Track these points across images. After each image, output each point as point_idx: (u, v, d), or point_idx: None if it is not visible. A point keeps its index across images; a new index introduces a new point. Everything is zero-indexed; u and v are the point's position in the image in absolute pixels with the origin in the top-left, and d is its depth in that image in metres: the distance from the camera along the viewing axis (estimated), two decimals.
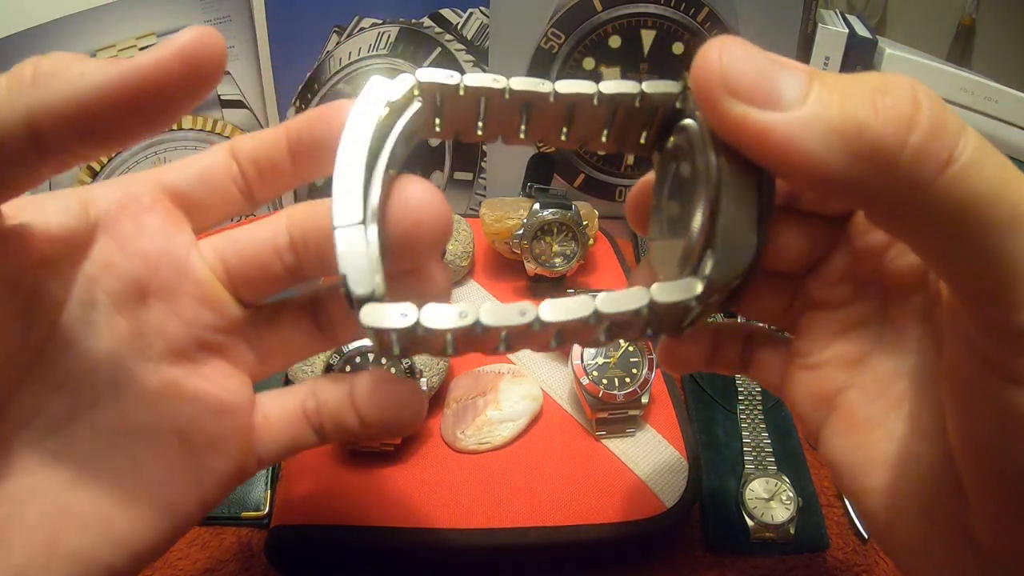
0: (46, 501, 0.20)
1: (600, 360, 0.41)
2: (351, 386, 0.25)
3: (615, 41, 0.61)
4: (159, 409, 0.22)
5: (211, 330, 0.23)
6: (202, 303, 0.23)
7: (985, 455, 0.19)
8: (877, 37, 0.59)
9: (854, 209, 0.23)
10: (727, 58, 0.17)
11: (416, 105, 0.21)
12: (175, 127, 0.56)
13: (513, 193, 0.58)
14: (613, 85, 0.21)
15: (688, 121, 0.21)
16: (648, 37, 0.61)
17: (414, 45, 0.61)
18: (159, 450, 0.22)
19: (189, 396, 0.23)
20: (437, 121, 0.22)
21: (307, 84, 0.61)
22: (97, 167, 0.57)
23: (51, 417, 0.21)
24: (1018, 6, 1.11)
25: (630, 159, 0.65)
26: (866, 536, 0.40)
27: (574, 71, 0.62)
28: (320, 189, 0.59)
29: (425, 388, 0.41)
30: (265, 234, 0.23)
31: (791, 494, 0.40)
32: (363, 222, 0.19)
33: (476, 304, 0.19)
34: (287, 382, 0.43)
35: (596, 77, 0.63)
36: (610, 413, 0.41)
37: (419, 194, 0.21)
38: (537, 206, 0.50)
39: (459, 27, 0.61)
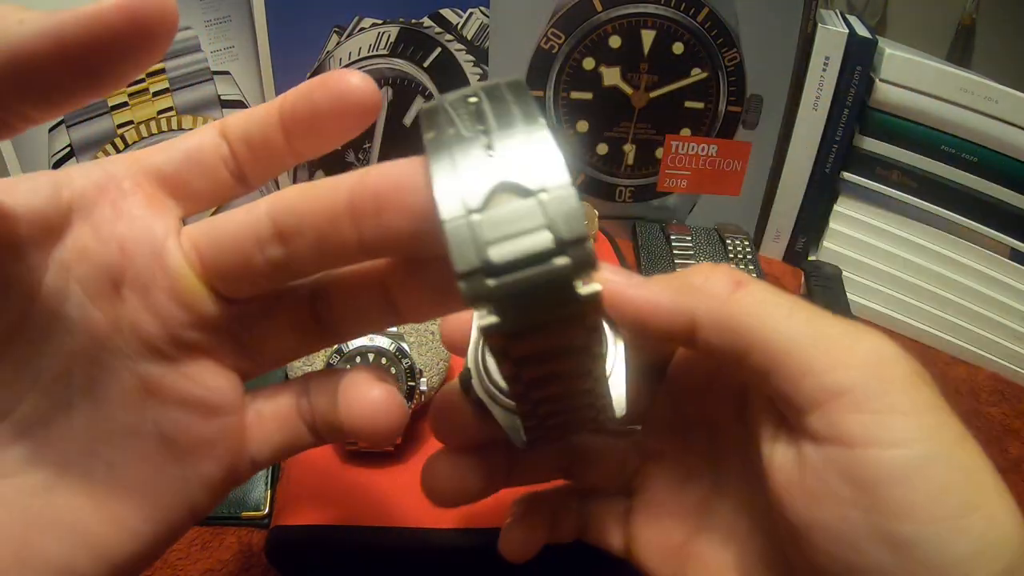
0: (16, 507, 0.19)
1: None
2: (339, 384, 0.23)
3: (615, 41, 0.61)
4: (138, 410, 0.21)
5: (186, 327, 0.21)
6: (173, 298, 0.20)
7: (803, 535, 0.21)
8: (877, 37, 0.59)
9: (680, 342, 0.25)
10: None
11: None
12: (175, 127, 0.56)
13: None
14: None
15: None
16: (648, 37, 0.61)
17: (414, 45, 0.61)
18: (140, 453, 0.21)
19: (170, 397, 0.21)
20: None
21: None
22: None
23: (22, 419, 0.19)
24: (1018, 6, 1.11)
25: (630, 159, 0.66)
26: None
27: (574, 71, 0.62)
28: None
29: (425, 388, 0.41)
30: (245, 221, 0.20)
31: None
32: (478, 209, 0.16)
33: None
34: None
35: (596, 77, 0.63)
36: None
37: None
38: None
39: (459, 27, 0.61)
